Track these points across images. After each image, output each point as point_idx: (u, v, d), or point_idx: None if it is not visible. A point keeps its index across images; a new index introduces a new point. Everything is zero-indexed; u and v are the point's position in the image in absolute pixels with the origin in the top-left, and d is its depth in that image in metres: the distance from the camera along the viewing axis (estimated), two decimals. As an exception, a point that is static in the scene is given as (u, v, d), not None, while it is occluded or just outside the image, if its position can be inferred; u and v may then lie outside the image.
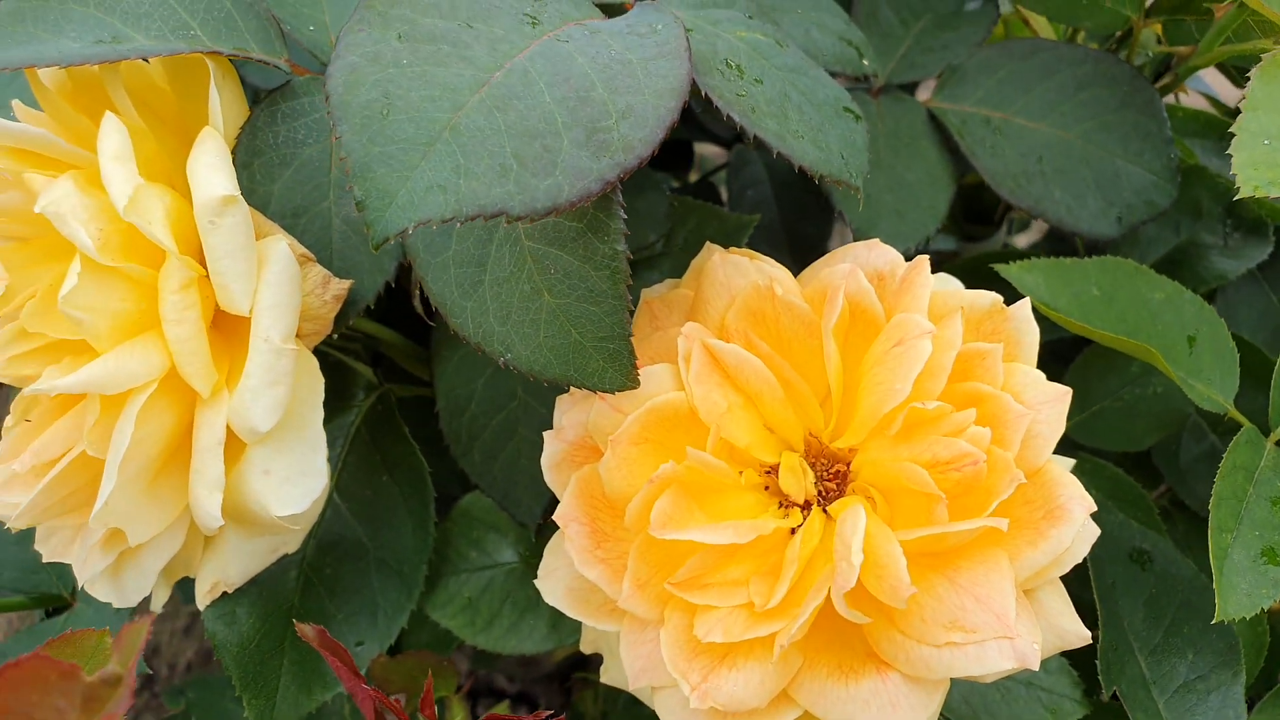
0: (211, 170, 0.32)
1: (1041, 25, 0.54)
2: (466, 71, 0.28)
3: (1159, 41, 0.49)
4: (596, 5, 0.34)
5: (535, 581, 0.35)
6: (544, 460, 0.35)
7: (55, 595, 0.49)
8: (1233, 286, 0.51)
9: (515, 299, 0.32)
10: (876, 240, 0.36)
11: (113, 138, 0.32)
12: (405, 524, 0.41)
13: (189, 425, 0.34)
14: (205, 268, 0.33)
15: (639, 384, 0.32)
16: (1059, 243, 0.60)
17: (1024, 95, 0.45)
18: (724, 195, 0.62)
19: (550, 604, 0.35)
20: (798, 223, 0.56)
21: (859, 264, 0.35)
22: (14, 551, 0.48)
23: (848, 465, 0.35)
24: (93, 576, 0.37)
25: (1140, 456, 0.48)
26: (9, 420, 0.38)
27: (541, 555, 0.36)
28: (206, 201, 0.31)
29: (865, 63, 0.39)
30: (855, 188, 0.34)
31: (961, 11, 0.48)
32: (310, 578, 0.41)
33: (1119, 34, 0.49)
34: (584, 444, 0.35)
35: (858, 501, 0.32)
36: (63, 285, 0.31)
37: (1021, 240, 0.78)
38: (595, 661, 0.61)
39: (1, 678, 0.22)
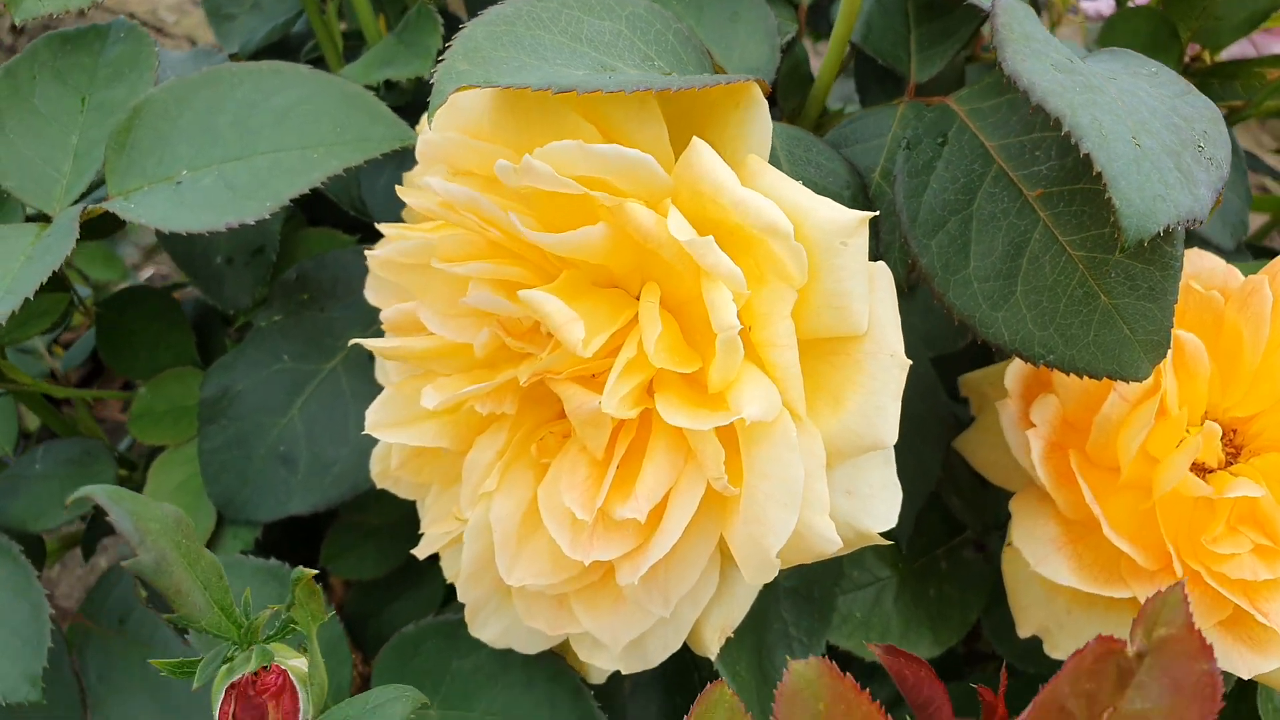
0: (811, 196, 0.33)
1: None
2: (1111, 100, 0.32)
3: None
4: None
5: (1036, 569, 0.38)
6: (1034, 457, 0.39)
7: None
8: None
9: (1062, 303, 0.36)
10: (1196, 249, 0.44)
11: (720, 164, 0.32)
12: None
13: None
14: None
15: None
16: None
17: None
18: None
19: (1060, 583, 0.38)
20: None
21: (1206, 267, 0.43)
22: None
23: (1234, 431, 0.42)
24: (623, 642, 0.34)
25: None
26: (485, 478, 0.34)
27: (909, 563, 0.39)
28: (843, 224, 0.31)
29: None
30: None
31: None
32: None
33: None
34: (1053, 438, 0.40)
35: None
36: (720, 316, 0.30)
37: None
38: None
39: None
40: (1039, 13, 0.59)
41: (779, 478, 0.31)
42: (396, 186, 0.36)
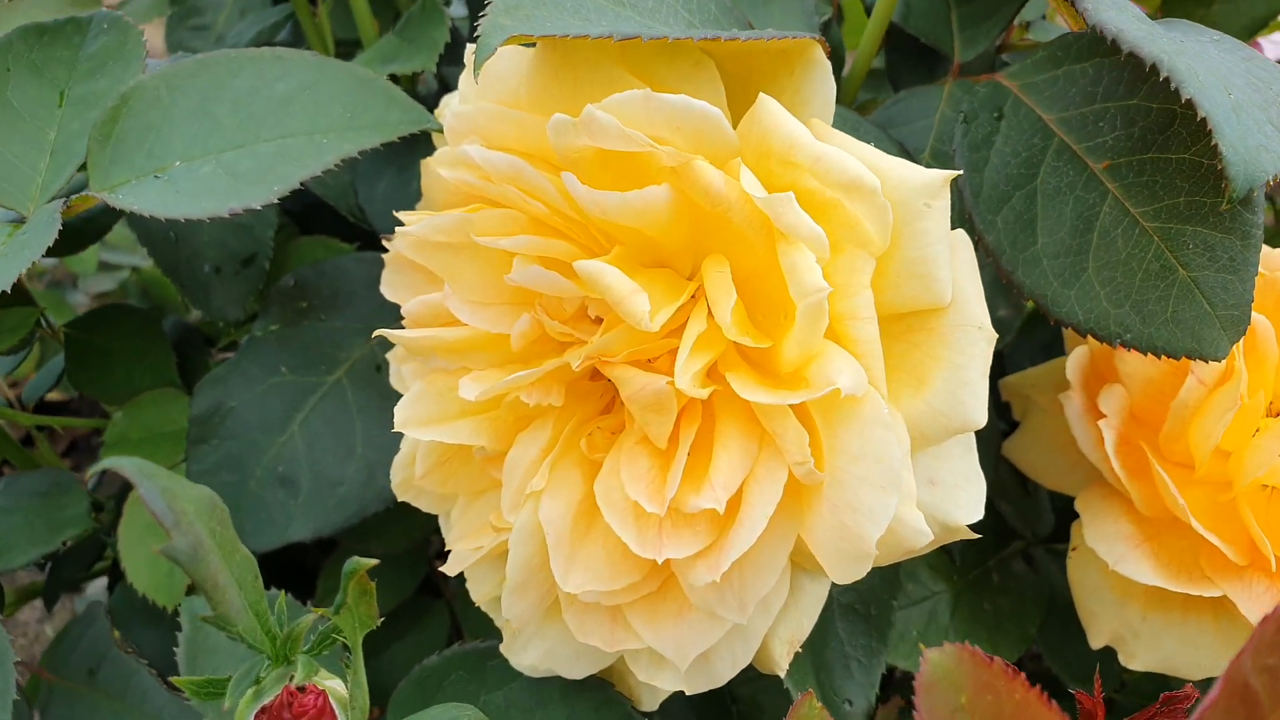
0: (886, 156, 0.30)
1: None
2: (1194, 53, 0.31)
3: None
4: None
5: (1115, 569, 0.36)
6: (1108, 448, 0.36)
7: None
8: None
9: (1138, 278, 0.34)
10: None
11: (792, 119, 0.29)
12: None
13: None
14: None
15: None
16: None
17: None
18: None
19: (1143, 582, 0.36)
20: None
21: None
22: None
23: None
24: (689, 657, 0.30)
25: None
26: (531, 477, 0.31)
27: (963, 576, 0.36)
28: (925, 183, 0.29)
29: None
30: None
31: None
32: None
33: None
34: (1121, 429, 0.37)
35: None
36: (804, 280, 0.27)
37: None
38: None
39: None
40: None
41: (873, 458, 0.28)
42: (426, 159, 0.33)
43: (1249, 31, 0.59)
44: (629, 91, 0.28)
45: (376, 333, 0.33)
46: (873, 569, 0.37)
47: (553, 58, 0.31)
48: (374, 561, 0.23)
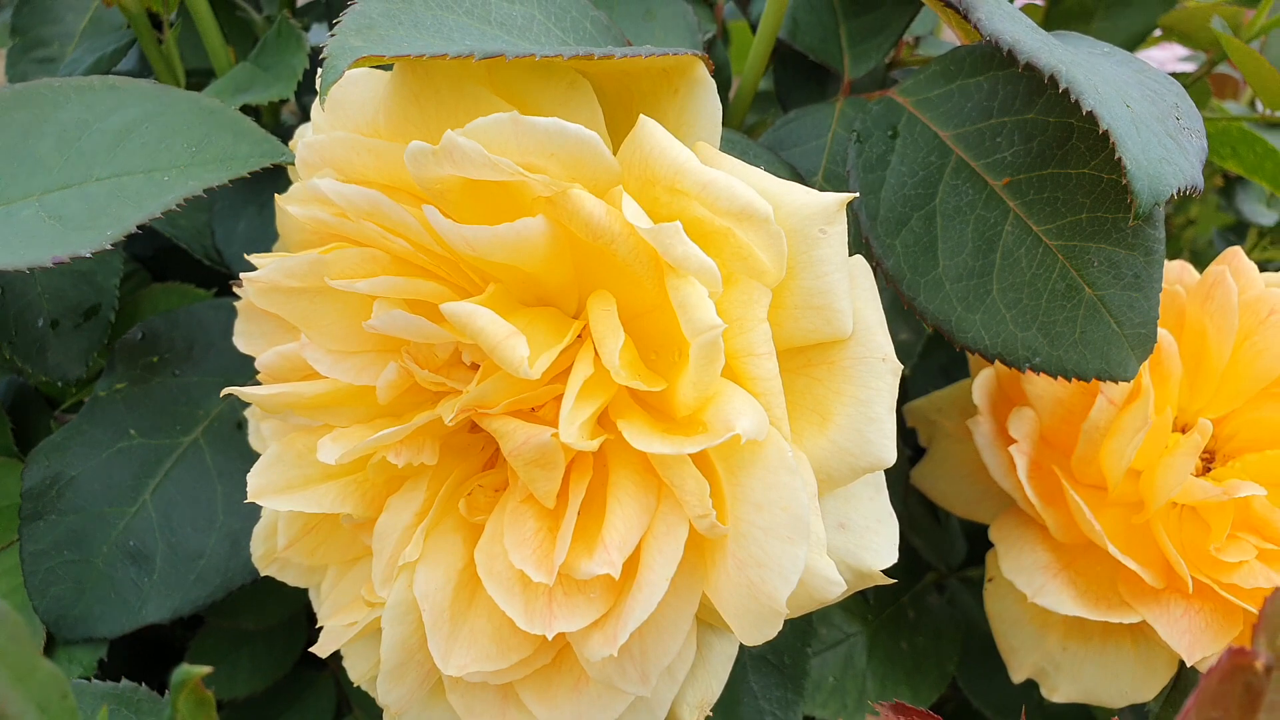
0: (779, 181, 0.28)
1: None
2: (1089, 65, 0.30)
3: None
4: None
5: (1035, 600, 0.34)
6: (1020, 475, 0.35)
7: None
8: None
9: (1044, 299, 0.32)
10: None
11: (676, 143, 0.27)
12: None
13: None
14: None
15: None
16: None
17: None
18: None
19: (1063, 613, 0.34)
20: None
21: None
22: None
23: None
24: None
25: None
26: (404, 546, 0.27)
27: (877, 615, 0.35)
28: (820, 208, 0.27)
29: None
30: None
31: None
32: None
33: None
34: (1033, 454, 0.36)
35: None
36: (696, 316, 0.25)
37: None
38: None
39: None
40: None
41: (778, 506, 0.25)
42: (276, 196, 0.30)
43: (1130, 45, 0.60)
44: (495, 115, 0.25)
45: (225, 391, 0.29)
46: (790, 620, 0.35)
47: (412, 81, 0.28)
48: (206, 670, 0.19)
